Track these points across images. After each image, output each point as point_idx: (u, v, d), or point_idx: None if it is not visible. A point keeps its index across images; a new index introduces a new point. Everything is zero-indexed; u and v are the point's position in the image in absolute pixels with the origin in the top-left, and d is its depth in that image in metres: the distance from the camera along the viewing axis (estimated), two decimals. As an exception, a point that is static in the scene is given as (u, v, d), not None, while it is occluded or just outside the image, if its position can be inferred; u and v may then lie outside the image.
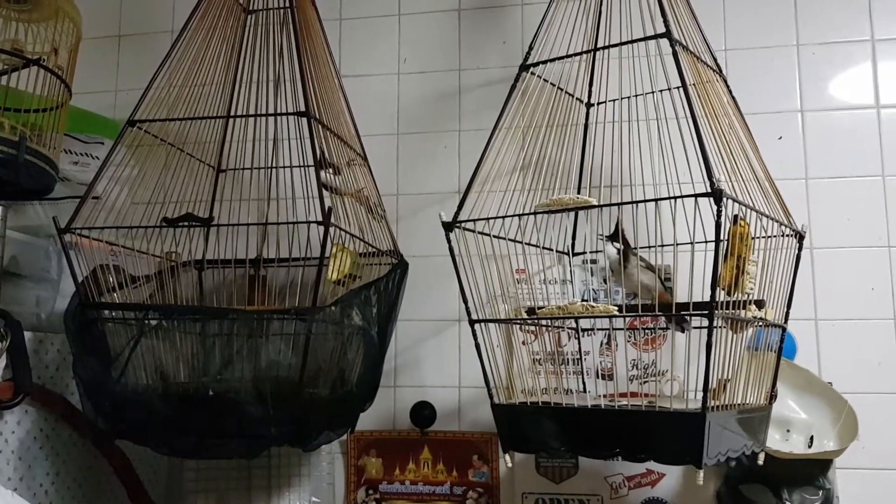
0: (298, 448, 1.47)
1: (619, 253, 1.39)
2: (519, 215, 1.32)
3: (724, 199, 1.11)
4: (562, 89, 1.52)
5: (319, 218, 1.34)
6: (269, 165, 1.62)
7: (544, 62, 1.45)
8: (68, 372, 1.45)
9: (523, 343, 1.70)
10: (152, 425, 1.35)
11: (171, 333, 1.40)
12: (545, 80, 1.46)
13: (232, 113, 1.63)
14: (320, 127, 1.47)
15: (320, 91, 1.59)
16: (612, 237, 1.40)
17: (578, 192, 1.63)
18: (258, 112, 1.54)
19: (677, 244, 1.17)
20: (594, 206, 1.24)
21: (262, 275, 1.59)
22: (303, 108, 1.43)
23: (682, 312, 1.22)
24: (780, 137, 1.72)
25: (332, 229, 1.35)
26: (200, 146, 1.69)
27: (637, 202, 1.20)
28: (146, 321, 1.38)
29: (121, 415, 1.35)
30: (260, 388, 1.31)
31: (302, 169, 1.55)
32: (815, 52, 1.74)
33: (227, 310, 1.38)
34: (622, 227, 1.38)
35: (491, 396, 1.36)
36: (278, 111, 1.49)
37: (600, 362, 1.68)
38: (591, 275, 1.71)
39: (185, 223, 1.38)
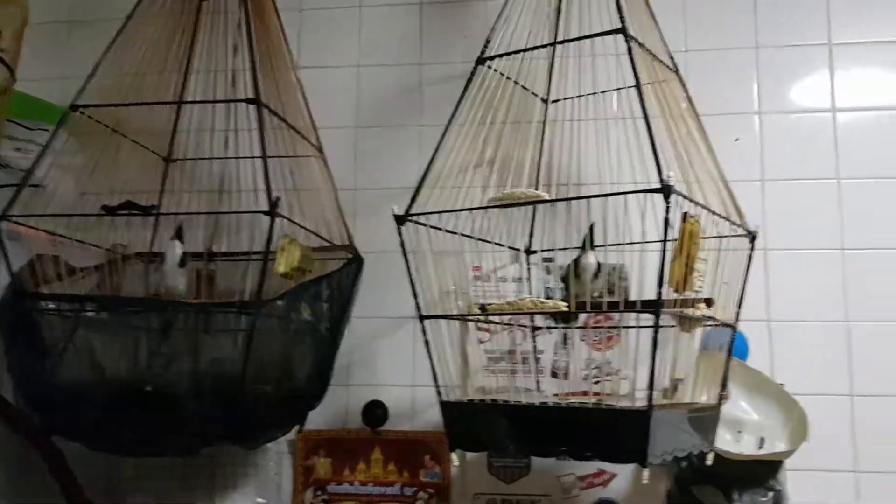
0: (241, 447, 1.44)
1: (597, 265, 1.38)
2: (470, 209, 1.31)
3: (673, 195, 1.11)
4: (517, 83, 1.51)
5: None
6: (221, 156, 1.60)
7: (500, 56, 1.44)
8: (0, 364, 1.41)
9: (480, 342, 1.69)
10: (87, 421, 1.32)
11: (110, 326, 1.36)
12: (501, 73, 1.45)
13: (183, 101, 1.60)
14: (270, 115, 1.44)
15: (274, 80, 1.57)
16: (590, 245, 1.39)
17: (536, 188, 1.62)
18: (209, 100, 1.51)
19: (626, 242, 1.17)
20: (545, 201, 1.23)
21: (210, 268, 1.55)
22: (253, 96, 1.40)
23: (628, 309, 1.20)
24: (737, 139, 1.73)
25: (279, 221, 1.32)
26: (150, 135, 1.66)
27: (584, 197, 1.19)
28: (83, 313, 1.34)
29: (54, 409, 1.32)
30: (200, 383, 1.28)
31: (255, 160, 1.52)
32: (774, 55, 1.76)
33: (167, 302, 1.35)
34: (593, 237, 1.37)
35: (439, 394, 1.34)
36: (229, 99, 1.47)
37: (554, 361, 1.68)
38: (548, 273, 1.71)
39: (126, 212, 1.35)
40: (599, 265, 1.38)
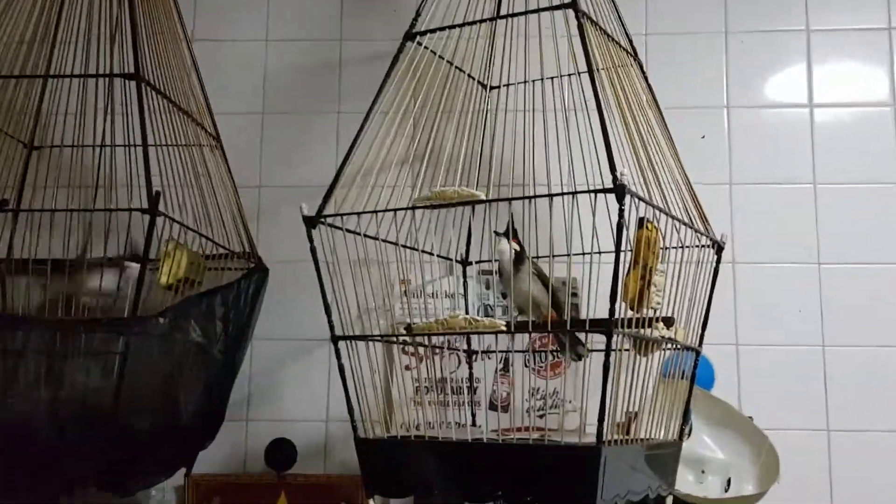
0: (113, 494, 1.39)
1: (512, 253, 1.38)
2: (395, 210, 1.29)
3: (628, 197, 1.11)
4: (451, 63, 1.50)
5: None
6: (95, 143, 1.55)
7: (433, 31, 1.43)
8: None
9: (406, 368, 1.67)
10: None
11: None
12: (434, 52, 1.44)
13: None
14: (155, 94, 1.41)
15: (160, 54, 1.54)
16: (506, 233, 1.39)
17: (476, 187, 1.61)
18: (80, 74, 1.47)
19: (576, 253, 1.16)
20: (481, 201, 1.22)
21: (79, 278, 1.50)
22: (132, 70, 1.37)
23: (576, 328, 1.20)
24: (703, 136, 1.76)
25: (162, 221, 1.29)
26: (9, 117, 1.60)
27: (527, 198, 1.19)
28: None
29: None
30: (59, 415, 1.24)
31: (133, 148, 1.48)
32: (745, 41, 1.80)
33: (19, 319, 1.30)
34: (513, 225, 1.36)
35: (355, 430, 1.32)
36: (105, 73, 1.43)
37: (494, 390, 1.67)
38: (487, 287, 1.71)
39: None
40: (518, 251, 1.37)
